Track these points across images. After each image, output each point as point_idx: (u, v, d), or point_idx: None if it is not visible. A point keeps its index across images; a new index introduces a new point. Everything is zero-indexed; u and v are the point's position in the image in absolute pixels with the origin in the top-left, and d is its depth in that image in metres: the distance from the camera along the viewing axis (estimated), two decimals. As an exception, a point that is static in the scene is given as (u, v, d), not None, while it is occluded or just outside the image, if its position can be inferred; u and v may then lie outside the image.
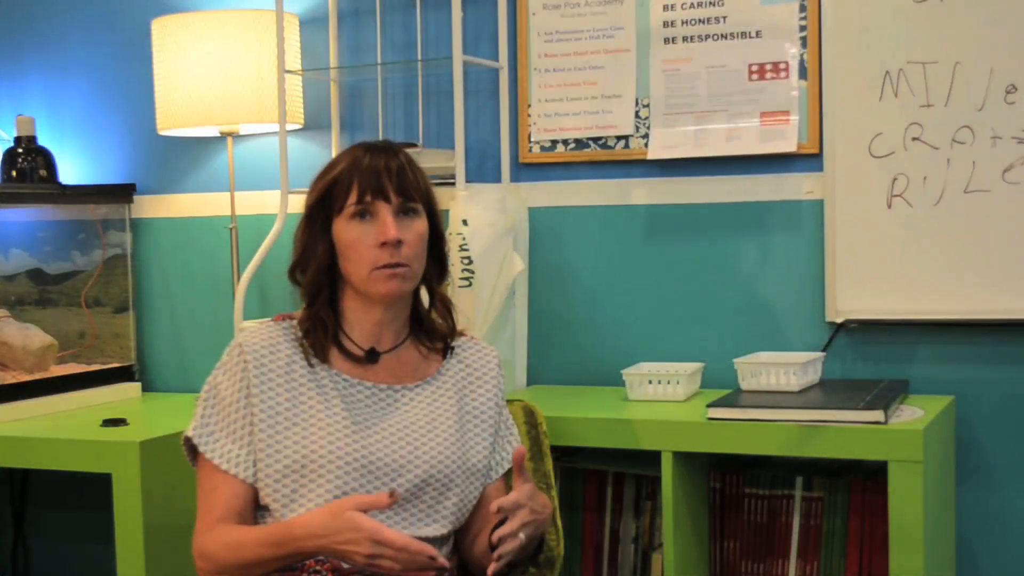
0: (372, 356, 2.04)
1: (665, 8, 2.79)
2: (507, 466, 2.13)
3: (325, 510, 1.87)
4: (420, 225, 2.02)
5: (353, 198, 1.98)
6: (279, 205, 2.90)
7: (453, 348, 2.13)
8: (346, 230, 1.99)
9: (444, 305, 2.11)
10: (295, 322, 2.05)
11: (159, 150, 3.26)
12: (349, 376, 2.02)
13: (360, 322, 2.04)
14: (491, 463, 2.09)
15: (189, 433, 2.01)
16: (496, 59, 2.90)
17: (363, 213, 1.98)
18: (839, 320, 2.66)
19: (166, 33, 2.98)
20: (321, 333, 2.02)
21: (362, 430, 1.97)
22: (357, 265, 1.99)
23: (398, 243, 1.97)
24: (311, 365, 2.01)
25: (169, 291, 3.29)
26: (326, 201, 2.01)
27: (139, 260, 3.30)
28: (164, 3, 3.20)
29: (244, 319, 2.89)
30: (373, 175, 1.98)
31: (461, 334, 2.15)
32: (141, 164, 3.30)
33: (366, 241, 1.97)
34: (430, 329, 2.11)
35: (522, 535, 1.88)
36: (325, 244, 2.01)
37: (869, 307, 2.63)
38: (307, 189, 2.06)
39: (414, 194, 2.01)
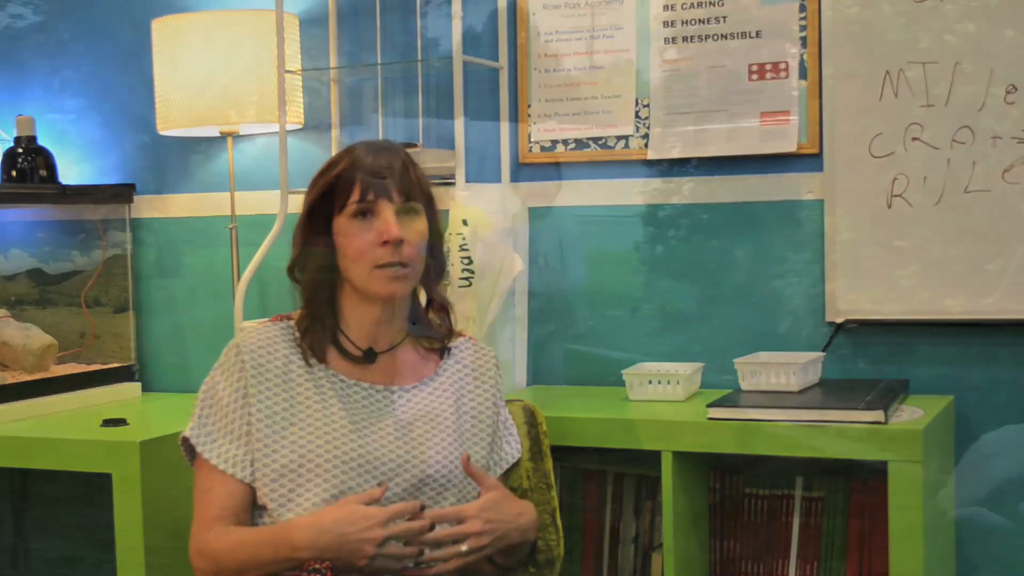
0: (370, 356, 2.04)
1: (665, 8, 2.79)
2: (505, 466, 2.13)
3: (327, 509, 1.87)
4: (421, 224, 2.02)
5: (355, 196, 1.97)
6: (279, 205, 2.90)
7: (450, 348, 2.13)
8: (347, 228, 1.99)
9: (441, 305, 2.11)
10: (292, 322, 2.05)
11: (159, 150, 3.26)
12: (347, 376, 2.02)
13: (358, 321, 2.04)
14: (489, 463, 2.09)
15: (187, 434, 2.01)
16: (496, 59, 2.90)
17: (365, 211, 1.98)
18: (839, 320, 2.66)
19: (166, 33, 2.98)
20: (319, 333, 2.02)
21: (359, 430, 1.97)
22: (357, 263, 1.98)
23: (400, 242, 1.96)
24: (309, 365, 2.01)
25: (169, 291, 3.28)
26: (327, 199, 2.00)
27: (139, 260, 3.29)
28: (164, 3, 3.20)
29: (244, 319, 2.88)
30: (376, 174, 1.98)
31: (459, 334, 2.15)
32: (141, 164, 3.30)
33: (367, 239, 1.97)
34: (428, 329, 2.11)
35: (464, 546, 1.90)
36: (325, 242, 2.01)
37: (869, 307, 2.63)
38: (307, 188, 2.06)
39: (415, 193, 2.01)
